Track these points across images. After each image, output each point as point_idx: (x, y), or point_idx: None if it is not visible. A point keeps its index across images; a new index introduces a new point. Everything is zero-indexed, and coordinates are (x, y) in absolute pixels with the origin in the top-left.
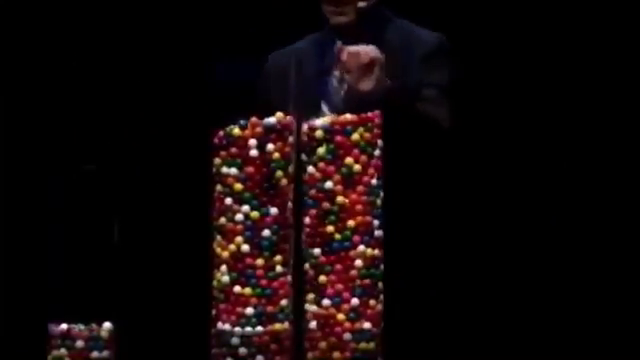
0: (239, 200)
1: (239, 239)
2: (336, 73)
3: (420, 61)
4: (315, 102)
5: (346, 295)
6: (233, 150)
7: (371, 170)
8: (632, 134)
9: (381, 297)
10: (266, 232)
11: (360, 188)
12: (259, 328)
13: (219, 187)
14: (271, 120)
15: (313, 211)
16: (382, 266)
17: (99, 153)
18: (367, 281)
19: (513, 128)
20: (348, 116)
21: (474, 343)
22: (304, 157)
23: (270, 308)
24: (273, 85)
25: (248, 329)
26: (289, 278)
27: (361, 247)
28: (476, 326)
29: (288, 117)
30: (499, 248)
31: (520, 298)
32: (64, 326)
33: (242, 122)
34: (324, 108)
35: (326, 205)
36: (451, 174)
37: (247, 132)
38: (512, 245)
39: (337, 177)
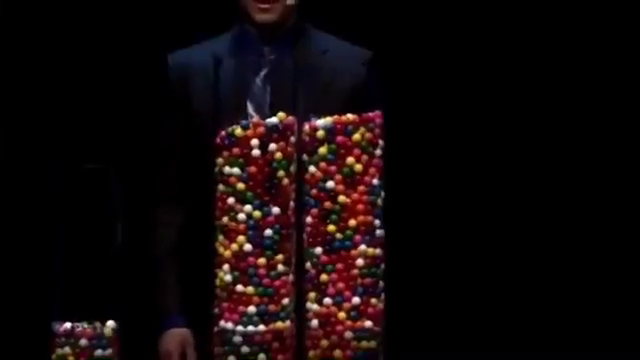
0: (241, 200)
1: (241, 238)
2: (261, 73)
3: (353, 84)
4: (240, 101)
5: (347, 294)
6: (235, 150)
7: (372, 170)
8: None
9: (382, 296)
10: (268, 231)
11: (361, 188)
12: (261, 327)
13: (222, 187)
14: (273, 120)
15: (315, 211)
16: (383, 265)
17: (103, 153)
18: (368, 280)
19: (513, 127)
20: (350, 116)
21: (473, 340)
22: (306, 157)
23: (272, 307)
24: (192, 85)
25: (250, 328)
26: (291, 277)
27: (362, 246)
28: (476, 323)
29: (290, 117)
30: (500, 247)
31: (522, 296)
32: (68, 325)
33: (244, 122)
34: (249, 108)
35: (328, 205)
36: (451, 174)
37: (249, 132)
38: (513, 244)
39: (338, 177)
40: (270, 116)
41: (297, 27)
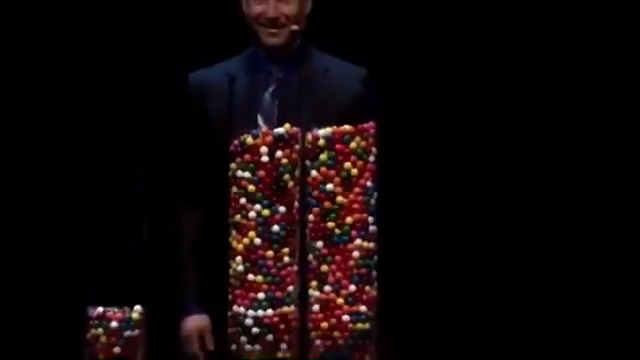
0: (252, 200)
1: (252, 234)
2: (270, 89)
3: (353, 93)
4: (252, 114)
5: (345, 282)
6: (247, 156)
7: (366, 174)
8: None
9: (375, 284)
10: (275, 227)
11: (357, 189)
12: (269, 311)
13: (235, 188)
14: (280, 130)
15: (316, 209)
16: (376, 257)
17: (131, 161)
18: (363, 270)
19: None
20: (347, 127)
21: (459, 325)
22: (308, 163)
23: (279, 293)
24: (209, 100)
25: (260, 312)
26: (295, 267)
27: (358, 241)
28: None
29: (294, 128)
30: (486, 246)
31: (497, 282)
32: (100, 309)
33: (254, 132)
34: (260, 120)
35: (327, 204)
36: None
37: (259, 141)
38: (490, 235)
39: (337, 180)
40: (277, 127)
41: (301, 49)
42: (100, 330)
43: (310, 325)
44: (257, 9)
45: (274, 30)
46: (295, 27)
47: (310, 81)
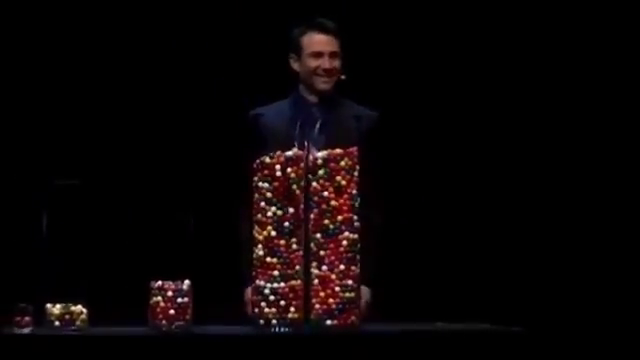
0: (269, 203)
1: (269, 228)
2: (317, 125)
3: (366, 131)
4: (290, 141)
5: (336, 263)
6: (266, 172)
7: (352, 185)
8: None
9: (358, 264)
10: (286, 223)
11: (345, 196)
12: (282, 284)
13: (257, 195)
14: (289, 153)
15: (316, 210)
16: (359, 245)
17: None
18: (350, 254)
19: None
20: (338, 150)
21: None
22: (310, 176)
23: (289, 271)
24: (264, 129)
25: (275, 284)
26: (301, 252)
27: (346, 233)
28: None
29: (299, 151)
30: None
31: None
32: (160, 282)
33: (271, 154)
34: (296, 145)
35: (324, 207)
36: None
37: (274, 160)
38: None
39: (331, 189)
40: (311, 151)
41: (333, 95)
42: (159, 298)
43: (311, 294)
44: (315, 63)
45: (327, 79)
46: (343, 77)
47: (336, 118)
